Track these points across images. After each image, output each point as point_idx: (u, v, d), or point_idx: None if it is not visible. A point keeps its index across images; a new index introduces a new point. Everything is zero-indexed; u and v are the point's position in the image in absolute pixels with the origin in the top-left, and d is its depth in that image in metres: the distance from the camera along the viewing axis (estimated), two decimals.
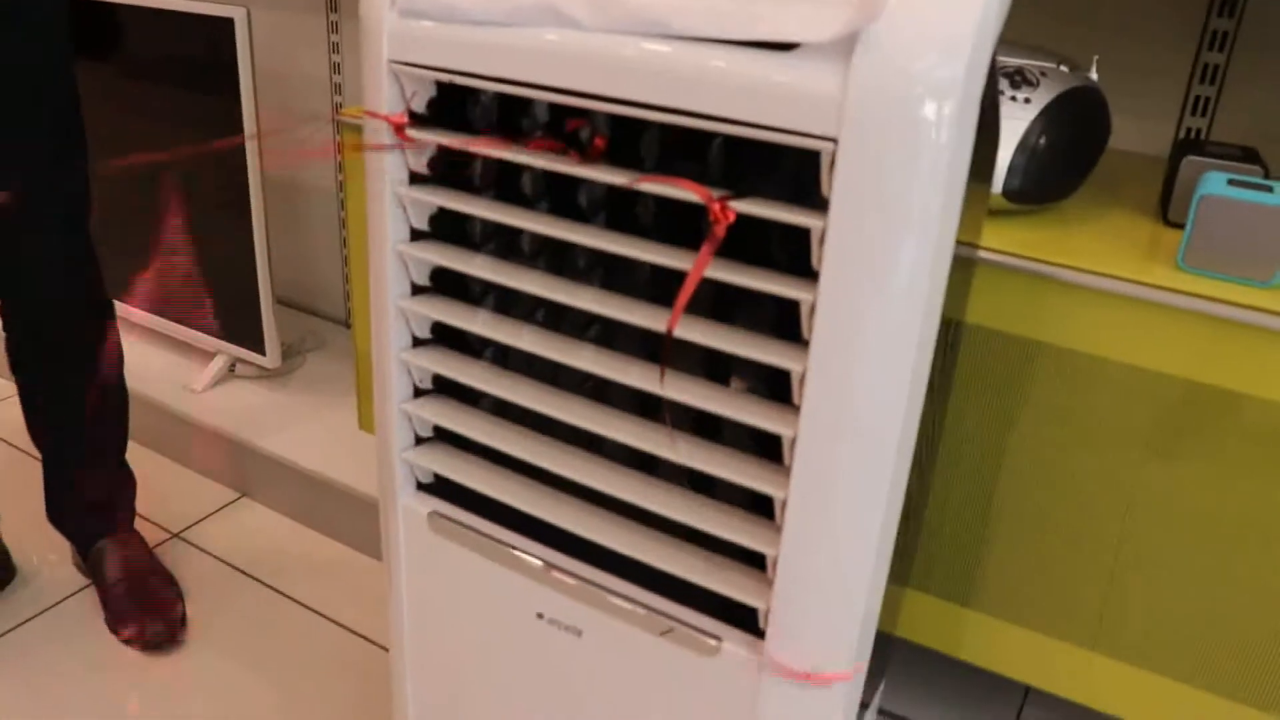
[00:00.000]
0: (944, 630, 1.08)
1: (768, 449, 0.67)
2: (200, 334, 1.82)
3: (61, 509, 1.43)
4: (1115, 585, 0.97)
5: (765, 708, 0.71)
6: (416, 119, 0.71)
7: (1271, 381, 0.84)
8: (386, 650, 1.40)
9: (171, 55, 1.61)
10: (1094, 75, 0.99)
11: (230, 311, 1.76)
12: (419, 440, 0.83)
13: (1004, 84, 0.94)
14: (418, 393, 0.81)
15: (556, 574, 0.76)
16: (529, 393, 0.74)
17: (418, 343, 0.79)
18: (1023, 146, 0.93)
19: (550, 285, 0.69)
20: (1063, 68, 0.97)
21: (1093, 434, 0.93)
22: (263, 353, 1.75)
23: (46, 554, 1.52)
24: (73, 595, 1.46)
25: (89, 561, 1.43)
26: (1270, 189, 0.85)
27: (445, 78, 0.67)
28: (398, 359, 0.78)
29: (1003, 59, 0.97)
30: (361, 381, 1.38)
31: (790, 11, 0.54)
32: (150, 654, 1.37)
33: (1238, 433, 0.87)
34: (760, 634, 0.70)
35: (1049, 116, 0.93)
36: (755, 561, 0.70)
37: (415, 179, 0.74)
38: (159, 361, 1.87)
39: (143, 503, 1.50)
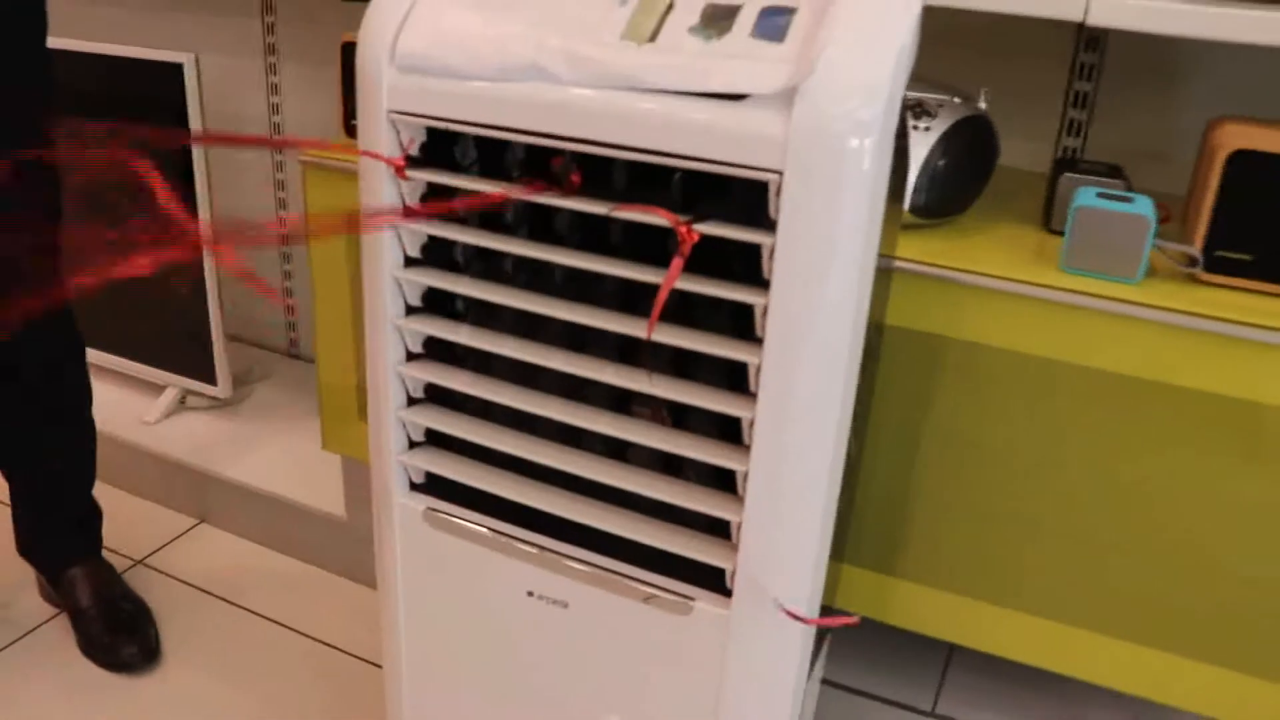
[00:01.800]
0: (872, 598, 1.20)
1: (728, 434, 0.79)
2: (151, 368, 1.87)
3: (32, 540, 1.48)
4: (1026, 546, 1.11)
5: (733, 658, 0.83)
6: (411, 161, 0.82)
7: (1141, 361, 0.99)
8: (359, 658, 1.48)
9: (122, 99, 1.67)
10: (983, 105, 1.14)
11: (181, 345, 1.81)
12: (412, 444, 0.92)
13: (907, 116, 1.08)
14: (410, 402, 0.91)
15: (545, 554, 0.87)
16: (517, 395, 0.85)
17: (411, 357, 0.89)
18: (925, 169, 1.07)
19: (541, 302, 0.80)
20: (956, 100, 1.11)
21: (996, 415, 1.07)
22: (214, 383, 1.82)
23: (11, 587, 1.56)
24: (44, 624, 1.51)
25: (60, 590, 1.48)
26: (1131, 199, 1.00)
27: (442, 125, 0.77)
28: (394, 371, 0.88)
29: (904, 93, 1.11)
30: (325, 404, 1.46)
31: (740, 68, 0.67)
32: (127, 675, 1.42)
33: (1119, 407, 1.02)
34: (728, 593, 0.81)
35: (946, 142, 1.08)
36: (720, 531, 0.82)
37: (409, 213, 0.84)
38: (109, 396, 1.91)
39: (104, 533, 1.55)
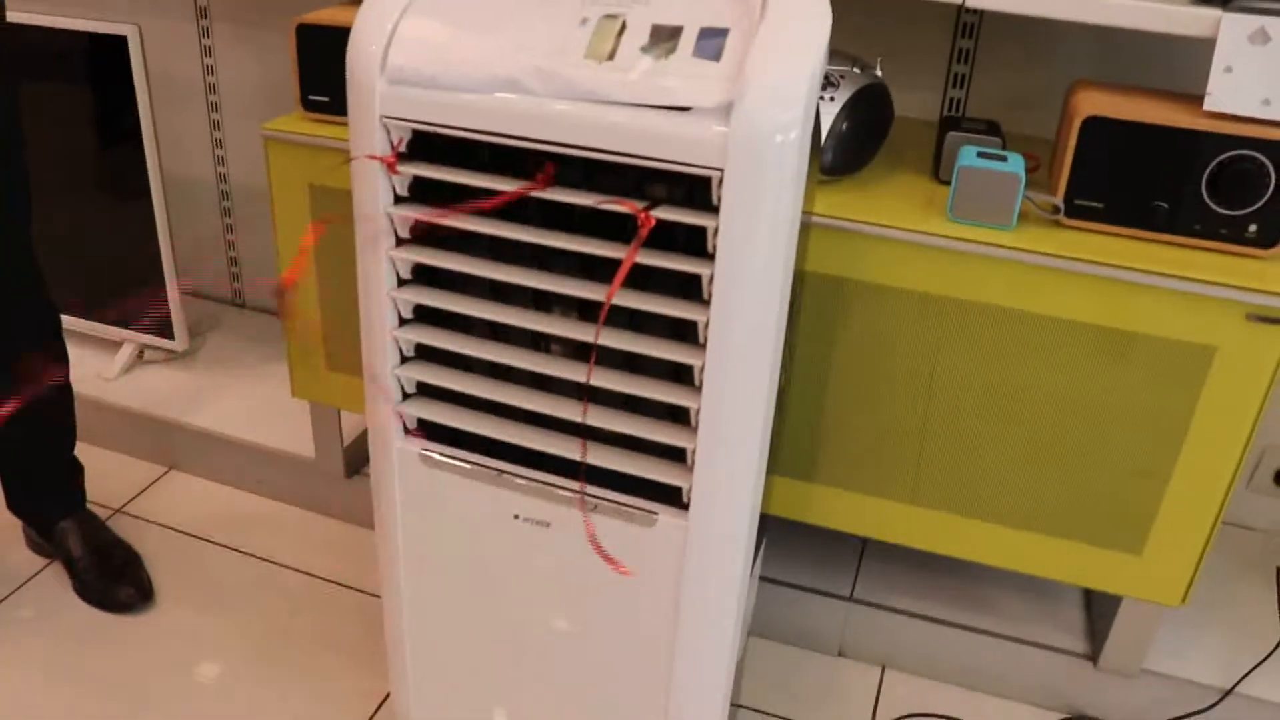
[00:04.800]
0: (795, 501, 1.40)
1: (682, 378, 0.96)
2: (108, 325, 1.95)
3: (22, 497, 1.58)
4: (923, 451, 1.31)
5: (690, 561, 1.01)
6: (400, 157, 0.95)
7: (1012, 293, 1.18)
8: (341, 585, 1.63)
9: (64, 69, 1.73)
10: (879, 73, 1.30)
11: (137, 301, 1.90)
12: (405, 396, 1.07)
13: None
14: (402, 359, 1.05)
15: (530, 483, 1.03)
16: (498, 350, 1.00)
17: (402, 321, 1.03)
18: (832, 133, 1.23)
19: (519, 273, 0.94)
20: (856, 69, 1.27)
21: (894, 343, 1.25)
22: (171, 338, 1.91)
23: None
24: (36, 575, 1.62)
25: (53, 541, 1.59)
26: (1006, 158, 1.18)
27: (429, 129, 0.90)
28: (390, 336, 1.02)
29: None
30: (293, 354, 1.58)
31: (686, 85, 0.82)
32: (126, 615, 1.55)
33: (997, 333, 1.21)
34: (685, 507, 0.99)
35: (849, 109, 1.24)
36: (677, 456, 0.99)
37: (398, 200, 0.97)
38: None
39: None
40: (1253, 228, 1.15)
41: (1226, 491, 1.21)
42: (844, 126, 1.24)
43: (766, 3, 0.84)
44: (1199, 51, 1.43)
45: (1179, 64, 1.45)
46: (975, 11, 1.51)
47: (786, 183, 0.84)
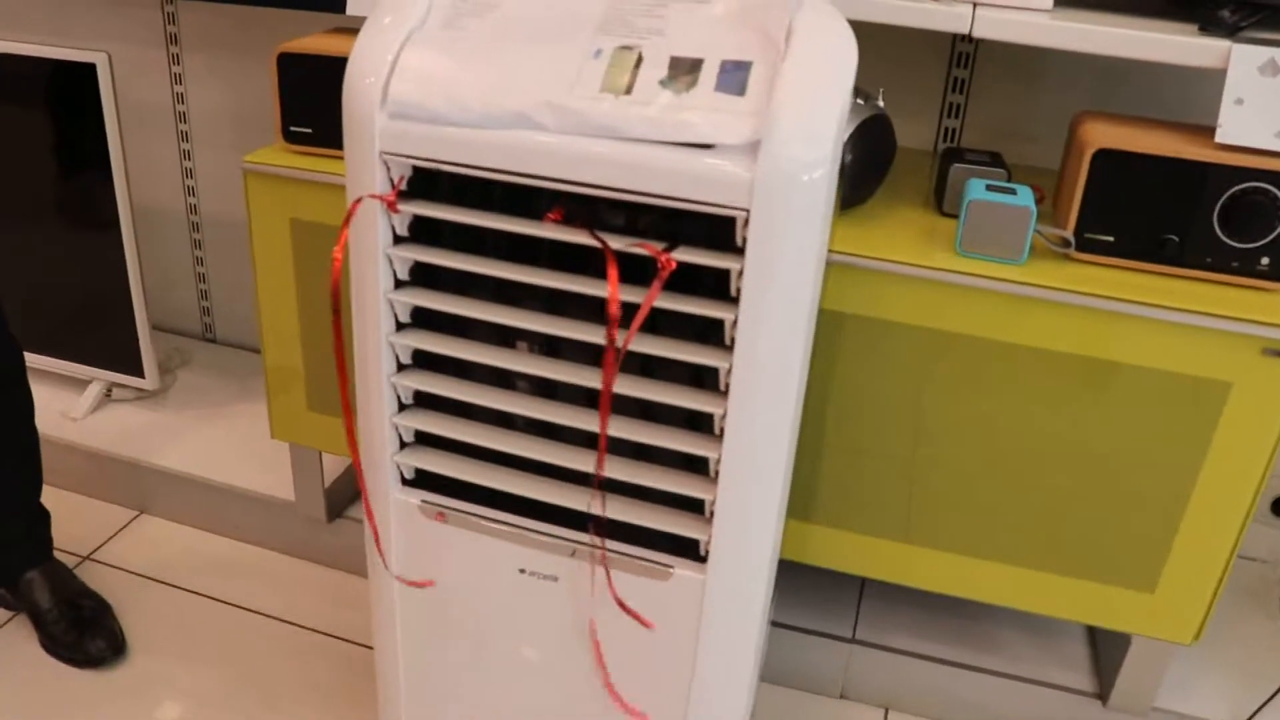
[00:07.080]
0: (793, 542, 1.36)
1: (700, 426, 0.91)
2: (74, 364, 1.88)
3: None
4: (917, 490, 1.27)
5: (708, 615, 0.96)
6: (400, 195, 0.90)
7: (1023, 328, 1.15)
8: (322, 634, 1.56)
9: (37, 95, 1.66)
10: (881, 104, 1.27)
11: (105, 338, 1.83)
12: (403, 445, 1.02)
13: None
14: (400, 407, 1.00)
15: (536, 536, 0.98)
16: (502, 398, 0.95)
17: (400, 367, 0.98)
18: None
19: (529, 318, 0.90)
20: (859, 100, 1.24)
21: (899, 377, 1.22)
22: (141, 375, 1.84)
23: None
24: (1, 628, 1.54)
25: (18, 594, 1.51)
26: (1015, 191, 1.16)
27: (432, 166, 0.86)
28: (388, 382, 0.97)
29: None
30: (272, 394, 1.52)
31: (710, 121, 0.78)
32: (97, 670, 1.48)
33: (1003, 370, 1.18)
34: (702, 560, 0.94)
35: (854, 141, 1.21)
36: (695, 508, 0.94)
37: (398, 240, 0.92)
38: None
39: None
40: (1265, 260, 1.13)
41: (1241, 527, 1.19)
42: (848, 158, 1.21)
43: (791, 34, 0.81)
44: (1196, 80, 1.42)
45: (1173, 92, 1.44)
46: (971, 40, 1.49)
47: (815, 222, 0.80)
